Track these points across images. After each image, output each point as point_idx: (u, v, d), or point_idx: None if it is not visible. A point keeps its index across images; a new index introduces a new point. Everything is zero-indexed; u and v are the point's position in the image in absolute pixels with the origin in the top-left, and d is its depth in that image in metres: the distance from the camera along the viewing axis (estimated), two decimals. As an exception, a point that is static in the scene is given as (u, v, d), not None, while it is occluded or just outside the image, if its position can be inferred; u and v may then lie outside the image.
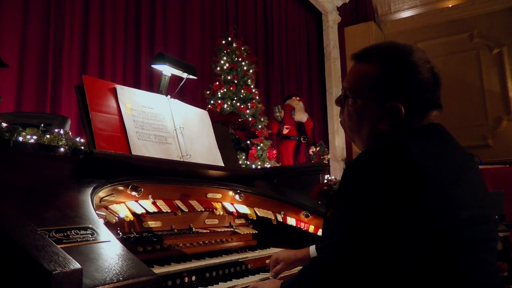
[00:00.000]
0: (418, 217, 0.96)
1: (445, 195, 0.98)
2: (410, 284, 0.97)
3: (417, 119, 1.13)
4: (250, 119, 5.02)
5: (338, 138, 8.24)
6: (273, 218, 2.07)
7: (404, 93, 1.11)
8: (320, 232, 2.06)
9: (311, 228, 2.07)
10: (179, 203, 1.68)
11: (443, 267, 0.96)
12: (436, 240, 0.96)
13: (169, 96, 2.02)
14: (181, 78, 2.30)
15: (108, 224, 1.31)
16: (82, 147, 2.05)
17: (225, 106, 5.05)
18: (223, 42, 5.40)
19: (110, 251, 0.99)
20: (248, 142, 4.53)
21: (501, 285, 1.03)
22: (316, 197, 2.02)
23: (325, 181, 2.23)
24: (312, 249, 1.57)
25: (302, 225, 2.09)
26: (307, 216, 2.09)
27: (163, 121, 1.90)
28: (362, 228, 0.99)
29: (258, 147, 4.76)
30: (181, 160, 1.87)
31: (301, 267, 1.87)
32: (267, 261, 1.92)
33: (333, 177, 1.94)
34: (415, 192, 0.96)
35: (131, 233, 1.51)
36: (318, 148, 6.85)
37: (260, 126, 5.08)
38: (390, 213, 0.97)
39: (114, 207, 1.43)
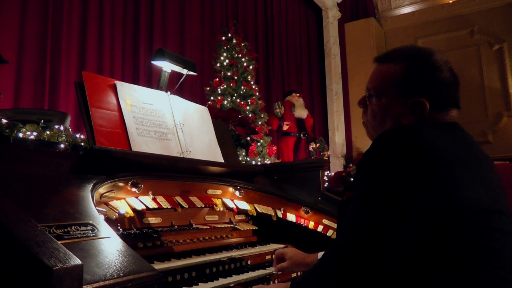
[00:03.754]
0: (428, 198, 0.98)
1: (456, 179, 1.00)
2: (421, 266, 0.99)
3: (437, 116, 1.16)
4: (250, 115, 5.01)
5: (338, 135, 8.24)
6: (273, 214, 2.07)
7: (427, 90, 1.15)
8: (320, 229, 2.07)
9: (311, 224, 2.08)
10: (179, 199, 1.68)
11: (450, 251, 0.97)
12: (443, 225, 0.98)
13: (169, 93, 2.02)
14: (181, 75, 2.29)
15: (108, 220, 1.31)
16: (82, 144, 2.05)
17: (225, 102, 5.04)
18: (223, 38, 5.39)
19: (111, 247, 0.99)
20: (248, 138, 4.53)
21: (510, 279, 1.03)
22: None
23: (325, 178, 2.23)
24: (321, 255, 1.57)
25: (302, 221, 2.10)
26: (307, 212, 2.09)
27: (163, 117, 1.90)
28: (375, 209, 1.02)
29: (258, 144, 4.76)
30: (181, 156, 1.87)
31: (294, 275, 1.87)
32: (267, 257, 1.93)
33: (350, 165, 1.94)
34: (425, 172, 0.99)
35: (132, 229, 1.51)
36: (318, 145, 6.85)
37: (260, 123, 5.08)
38: (401, 193, 0.99)
39: (114, 203, 1.43)
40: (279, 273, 1.76)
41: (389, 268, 1.01)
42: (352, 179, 1.89)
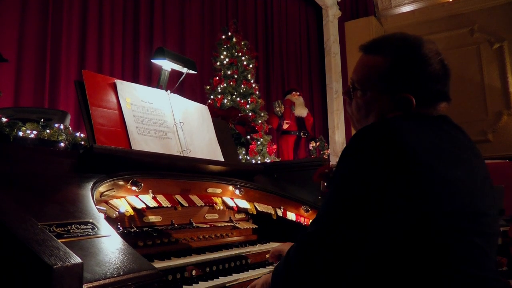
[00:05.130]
0: (401, 200, 0.94)
1: (434, 182, 0.95)
2: (392, 267, 0.95)
3: (425, 111, 1.12)
4: (250, 114, 5.02)
5: (338, 133, 8.22)
6: (273, 213, 2.07)
7: (414, 85, 1.10)
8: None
9: (311, 223, 2.08)
10: (179, 198, 1.68)
11: (427, 253, 0.93)
12: (414, 228, 0.93)
13: (169, 91, 2.02)
14: (181, 73, 2.29)
15: (108, 218, 1.31)
16: (82, 142, 2.05)
17: (225, 101, 5.05)
18: (223, 36, 5.39)
19: (111, 246, 0.99)
20: (248, 137, 4.53)
21: (497, 278, 1.00)
22: (318, 179, 2.02)
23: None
24: None
25: (302, 220, 2.10)
26: (307, 211, 2.09)
27: (163, 116, 1.90)
28: (342, 203, 0.99)
29: (258, 142, 4.76)
30: (181, 155, 1.87)
31: None
32: (267, 256, 1.92)
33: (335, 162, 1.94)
34: (400, 173, 0.94)
35: (132, 228, 1.51)
36: (318, 143, 6.85)
37: (260, 121, 5.08)
38: (372, 191, 0.95)
39: (114, 202, 1.43)
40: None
41: (351, 264, 0.97)
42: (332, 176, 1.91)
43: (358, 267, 0.98)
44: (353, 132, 1.18)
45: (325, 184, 2.01)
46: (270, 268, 1.79)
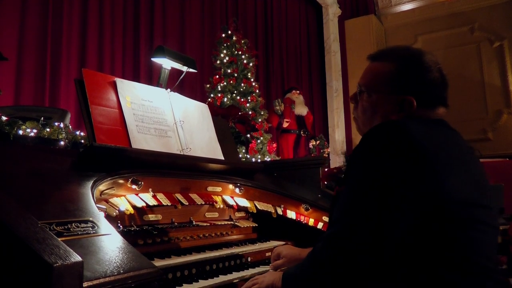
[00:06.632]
0: (415, 189, 1.01)
1: (442, 172, 1.04)
2: (410, 255, 1.02)
3: (425, 113, 1.21)
4: (250, 112, 5.01)
5: (338, 132, 8.23)
6: (273, 211, 2.08)
7: (416, 89, 1.22)
8: (320, 226, 2.07)
9: (311, 222, 2.08)
10: (179, 196, 1.68)
11: (437, 241, 1.01)
12: (429, 215, 1.01)
13: (169, 90, 2.02)
14: (181, 72, 2.29)
15: (108, 217, 1.31)
16: (82, 141, 2.05)
17: (225, 99, 5.04)
18: (223, 35, 5.38)
19: (111, 244, 0.99)
20: (248, 135, 4.53)
21: (497, 270, 1.07)
22: (327, 180, 2.03)
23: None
24: None
25: (302, 218, 2.10)
26: (307, 209, 2.09)
27: (163, 114, 1.90)
28: (364, 200, 1.05)
29: (258, 141, 4.76)
30: (181, 153, 1.87)
31: None
32: (267, 254, 1.93)
33: (343, 162, 1.97)
34: (412, 164, 1.02)
35: (132, 226, 1.51)
36: (318, 142, 6.85)
37: (260, 120, 5.08)
38: (389, 184, 1.03)
39: (114, 200, 1.43)
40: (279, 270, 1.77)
41: (378, 257, 1.03)
42: (342, 176, 1.93)
43: (384, 259, 1.03)
44: (354, 132, 1.25)
45: (334, 184, 2.02)
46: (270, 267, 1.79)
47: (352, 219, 1.06)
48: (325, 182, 2.04)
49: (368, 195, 1.05)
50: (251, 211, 2.04)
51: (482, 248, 1.05)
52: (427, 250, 1.01)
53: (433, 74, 1.22)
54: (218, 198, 1.89)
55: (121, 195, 1.48)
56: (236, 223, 2.00)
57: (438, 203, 1.01)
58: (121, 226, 1.47)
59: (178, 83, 2.32)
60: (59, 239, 0.84)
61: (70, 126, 2.17)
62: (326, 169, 2.05)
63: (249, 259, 1.83)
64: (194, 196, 1.76)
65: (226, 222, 1.96)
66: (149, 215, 1.62)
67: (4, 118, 1.86)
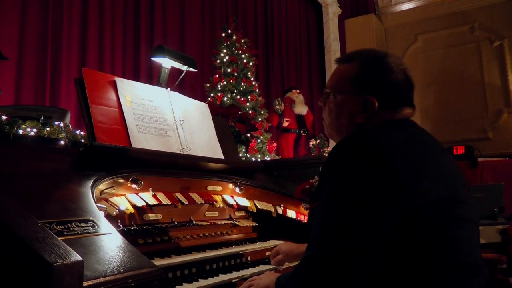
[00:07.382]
0: (389, 197, 1.01)
1: (412, 176, 1.04)
2: (392, 269, 1.02)
3: (389, 114, 1.22)
4: (250, 112, 5.01)
5: (338, 131, 8.21)
6: (273, 210, 2.08)
7: (378, 89, 1.22)
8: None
9: (311, 221, 2.08)
10: (179, 195, 1.68)
11: (418, 249, 1.01)
12: (408, 221, 1.01)
13: (169, 89, 2.02)
14: (181, 71, 2.29)
15: (108, 216, 1.31)
16: (82, 140, 2.05)
17: (225, 99, 5.04)
18: (223, 34, 5.38)
19: (111, 243, 0.99)
20: (248, 135, 4.53)
21: (481, 264, 1.08)
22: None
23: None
24: None
25: (302, 217, 2.10)
26: (307, 208, 2.09)
27: (163, 113, 1.90)
28: (339, 217, 1.03)
29: (258, 140, 4.76)
30: (181, 152, 1.87)
31: None
32: (267, 253, 1.93)
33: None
34: (381, 174, 1.02)
35: (132, 226, 1.51)
36: (318, 141, 6.84)
37: (260, 119, 5.08)
38: (362, 198, 1.02)
39: (114, 199, 1.44)
40: (280, 268, 1.78)
41: (362, 274, 1.02)
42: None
43: (369, 268, 1.02)
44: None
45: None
46: (270, 266, 1.79)
47: (329, 239, 1.03)
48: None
49: (343, 212, 1.03)
50: (251, 210, 2.04)
51: (464, 245, 1.05)
52: (411, 258, 1.01)
53: (396, 75, 1.22)
54: (218, 198, 1.89)
55: (121, 195, 1.48)
56: (236, 222, 2.00)
57: (414, 206, 1.01)
58: (121, 226, 1.47)
59: (178, 83, 2.32)
60: (59, 238, 0.84)
61: (70, 126, 2.16)
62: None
63: (249, 258, 1.83)
64: (194, 195, 1.76)
65: (226, 222, 1.96)
66: (149, 215, 1.62)
67: (4, 117, 1.86)
